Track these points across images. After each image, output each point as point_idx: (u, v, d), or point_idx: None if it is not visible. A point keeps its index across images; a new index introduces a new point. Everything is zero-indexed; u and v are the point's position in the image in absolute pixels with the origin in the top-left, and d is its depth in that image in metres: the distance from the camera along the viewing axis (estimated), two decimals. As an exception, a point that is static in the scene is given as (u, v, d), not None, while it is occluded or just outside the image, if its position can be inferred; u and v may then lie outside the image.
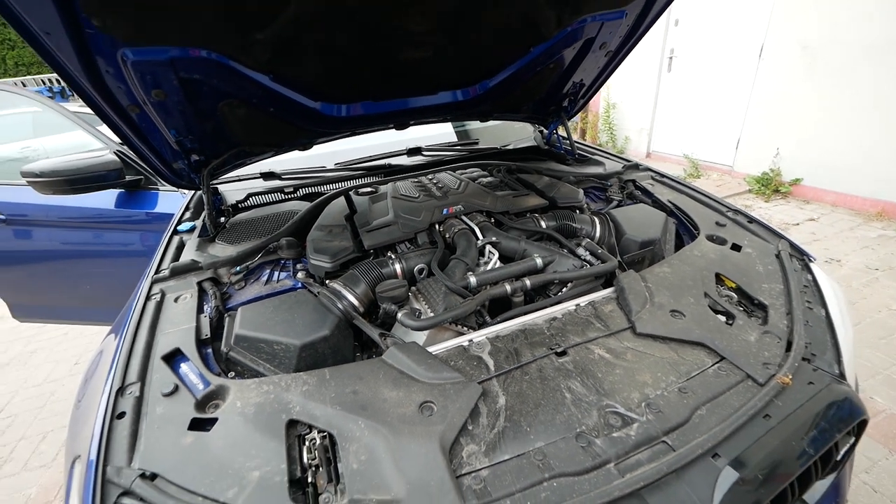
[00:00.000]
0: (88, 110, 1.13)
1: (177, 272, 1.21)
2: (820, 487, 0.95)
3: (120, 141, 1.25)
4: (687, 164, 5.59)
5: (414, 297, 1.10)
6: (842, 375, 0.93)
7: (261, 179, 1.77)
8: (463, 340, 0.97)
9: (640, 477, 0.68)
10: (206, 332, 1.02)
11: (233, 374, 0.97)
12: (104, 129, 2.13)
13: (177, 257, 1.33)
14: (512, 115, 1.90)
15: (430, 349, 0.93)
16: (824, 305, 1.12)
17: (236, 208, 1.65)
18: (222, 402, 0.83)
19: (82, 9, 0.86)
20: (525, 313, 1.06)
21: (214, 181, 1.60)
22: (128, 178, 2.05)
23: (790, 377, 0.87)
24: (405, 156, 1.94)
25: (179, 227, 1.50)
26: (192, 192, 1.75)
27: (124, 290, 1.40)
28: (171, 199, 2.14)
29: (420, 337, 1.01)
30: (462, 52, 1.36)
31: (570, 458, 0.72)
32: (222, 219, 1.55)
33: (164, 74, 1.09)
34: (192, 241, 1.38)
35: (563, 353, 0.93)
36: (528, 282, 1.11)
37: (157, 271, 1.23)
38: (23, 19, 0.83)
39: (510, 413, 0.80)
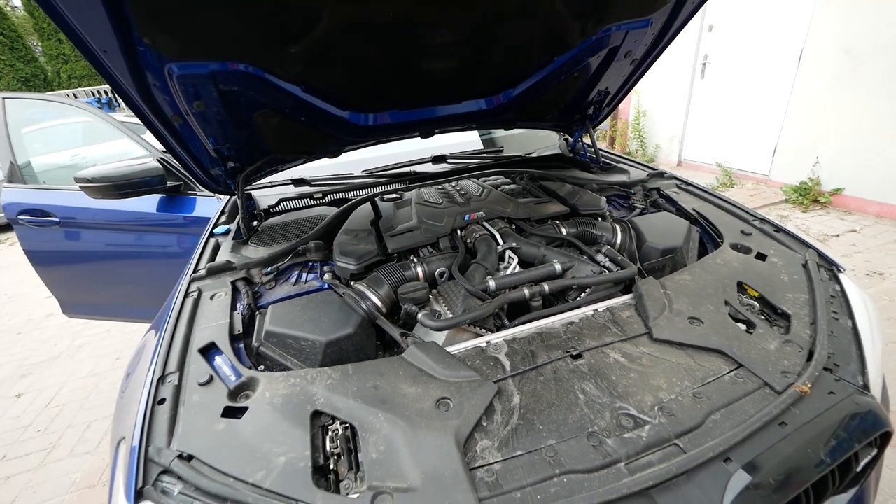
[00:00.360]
0: (134, 120, 1.23)
1: (213, 272, 1.30)
2: (840, 501, 0.92)
3: (163, 149, 1.36)
4: (720, 173, 5.42)
5: (434, 300, 1.14)
6: (865, 387, 0.91)
7: (291, 185, 1.86)
8: (481, 342, 1.00)
9: (649, 476, 0.69)
10: (239, 328, 1.09)
11: (263, 367, 1.03)
12: (148, 137, 2.29)
13: (213, 258, 1.42)
14: (537, 123, 1.93)
15: (449, 349, 0.97)
16: (851, 316, 1.09)
17: (268, 213, 1.74)
18: (252, 392, 0.89)
19: (136, 29, 0.96)
20: (543, 317, 1.08)
21: (248, 187, 1.69)
22: (169, 183, 2.19)
23: (809, 386, 0.86)
24: (430, 163, 1.99)
25: (215, 230, 1.60)
26: (228, 197, 1.85)
27: (163, 289, 1.49)
28: (208, 204, 2.27)
29: (439, 337, 1.04)
30: (486, 62, 1.40)
31: (581, 456, 0.74)
32: (255, 223, 1.64)
33: (205, 87, 1.18)
34: (227, 244, 1.47)
35: (579, 356, 0.94)
36: (546, 286, 1.13)
37: (194, 271, 1.32)
38: (84, 39, 0.93)
39: (524, 411, 0.82)
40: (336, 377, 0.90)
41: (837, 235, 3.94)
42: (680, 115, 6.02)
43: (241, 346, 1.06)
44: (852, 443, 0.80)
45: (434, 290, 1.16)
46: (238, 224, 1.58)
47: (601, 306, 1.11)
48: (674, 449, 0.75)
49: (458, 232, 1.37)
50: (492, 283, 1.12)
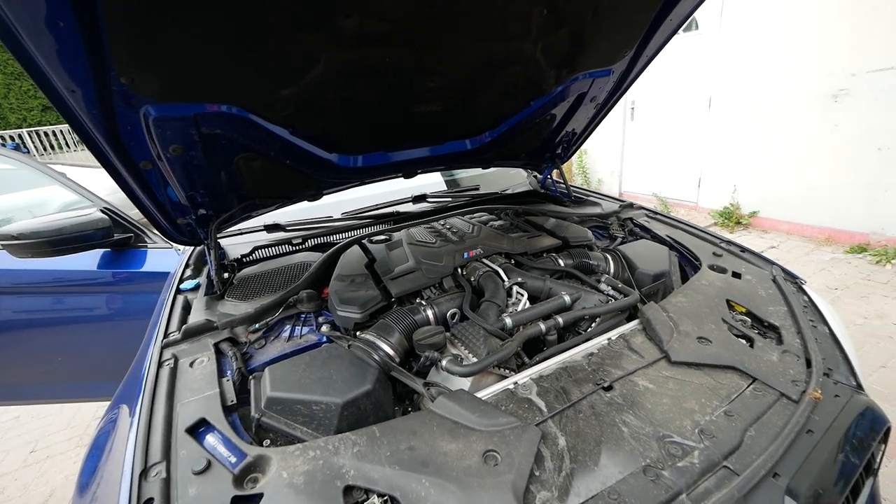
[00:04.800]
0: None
1: (190, 334, 1.14)
2: (862, 499, 0.97)
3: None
4: (657, 203, 5.96)
5: (451, 343, 1.08)
6: (859, 386, 0.99)
7: (264, 232, 1.74)
8: (508, 383, 0.96)
9: None
10: (232, 397, 0.96)
11: (267, 441, 0.90)
12: (93, 184, 2.06)
13: (184, 318, 1.26)
14: (511, 161, 2.00)
15: (477, 395, 0.91)
16: (826, 323, 1.19)
17: (242, 262, 1.60)
18: (262, 475, 0.76)
19: (113, 68, 0.87)
20: (562, 351, 1.06)
21: (220, 235, 1.56)
22: (116, 236, 1.96)
23: (819, 392, 0.91)
24: (410, 203, 1.97)
25: (182, 286, 1.44)
26: (192, 248, 1.69)
27: (113, 358, 1.28)
28: (162, 257, 2.05)
29: (465, 383, 0.98)
30: (471, 105, 1.45)
31: (644, 494, 0.71)
32: (226, 274, 1.50)
33: (185, 130, 1.09)
34: (199, 300, 1.32)
35: (610, 388, 0.93)
36: (560, 319, 1.12)
37: (165, 334, 1.16)
38: (49, 77, 0.82)
39: (574, 453, 0.79)
40: (363, 443, 0.80)
41: (762, 252, 4.41)
42: (617, 152, 6.62)
43: (237, 419, 0.93)
44: (869, 441, 0.86)
45: (448, 333, 1.11)
46: (209, 277, 1.43)
47: (613, 334, 1.12)
48: (725, 472, 0.75)
49: (460, 270, 1.34)
50: (509, 321, 1.09)
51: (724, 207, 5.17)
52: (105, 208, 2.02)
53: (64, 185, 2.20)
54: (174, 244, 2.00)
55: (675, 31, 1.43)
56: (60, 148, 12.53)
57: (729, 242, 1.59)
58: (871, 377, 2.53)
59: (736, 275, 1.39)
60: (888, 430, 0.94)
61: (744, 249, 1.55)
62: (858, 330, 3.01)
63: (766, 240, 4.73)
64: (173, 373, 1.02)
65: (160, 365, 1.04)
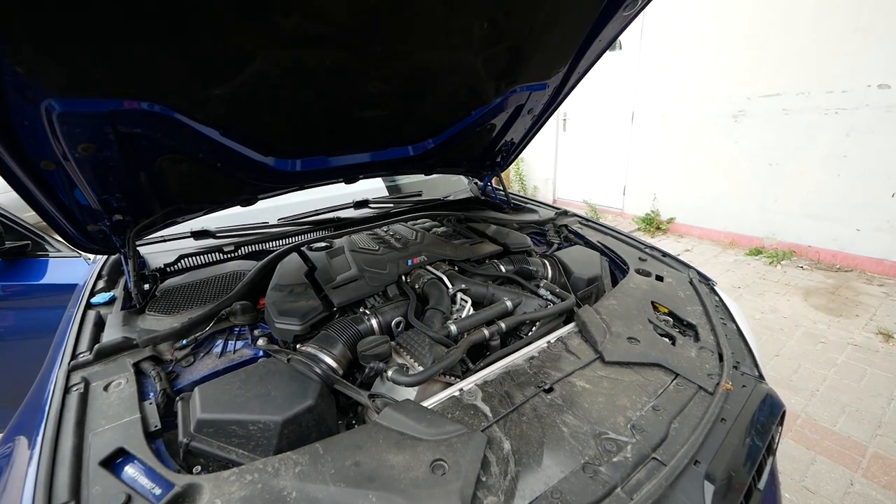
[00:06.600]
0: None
1: (104, 354, 1.02)
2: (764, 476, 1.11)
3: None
4: (587, 209, 6.36)
5: (396, 352, 1.07)
6: (761, 376, 1.12)
7: (191, 238, 1.61)
8: (454, 391, 0.96)
9: (646, 496, 0.74)
10: (156, 422, 0.87)
11: (198, 468, 0.83)
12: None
13: (97, 336, 1.12)
14: (453, 169, 2.03)
15: (423, 404, 0.91)
16: (734, 320, 1.35)
17: (165, 273, 1.46)
18: None
19: (7, 55, 0.76)
20: (505, 355, 1.09)
21: (139, 243, 1.41)
22: (7, 244, 1.70)
23: (730, 383, 1.02)
24: (352, 209, 1.93)
25: (94, 300, 1.28)
26: (105, 257, 1.51)
27: (4, 383, 1.11)
28: (66, 267, 1.81)
29: (410, 393, 0.98)
30: (414, 112, 1.45)
31: (584, 491, 0.75)
32: (147, 286, 1.36)
33: (99, 128, 0.98)
34: (114, 316, 1.18)
35: (551, 390, 0.97)
36: (503, 325, 1.15)
37: (73, 356, 1.03)
38: None
39: (518, 456, 0.81)
40: (305, 461, 0.76)
41: (678, 255, 4.87)
42: (550, 161, 6.97)
43: (161, 445, 0.84)
44: (770, 425, 0.98)
45: (394, 343, 1.10)
46: (126, 289, 1.29)
47: (552, 337, 1.17)
48: (654, 463, 0.82)
49: (404, 278, 1.33)
50: (454, 328, 1.10)
51: (646, 214, 5.65)
52: (-7, 213, 1.75)
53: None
54: (83, 253, 1.78)
55: (603, 51, 1.54)
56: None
57: (652, 248, 1.74)
58: (768, 365, 2.89)
59: (659, 278, 1.52)
60: (783, 413, 1.08)
61: (665, 254, 1.70)
62: (757, 323, 3.43)
63: (682, 244, 5.23)
64: (83, 398, 0.90)
65: (67, 390, 0.92)
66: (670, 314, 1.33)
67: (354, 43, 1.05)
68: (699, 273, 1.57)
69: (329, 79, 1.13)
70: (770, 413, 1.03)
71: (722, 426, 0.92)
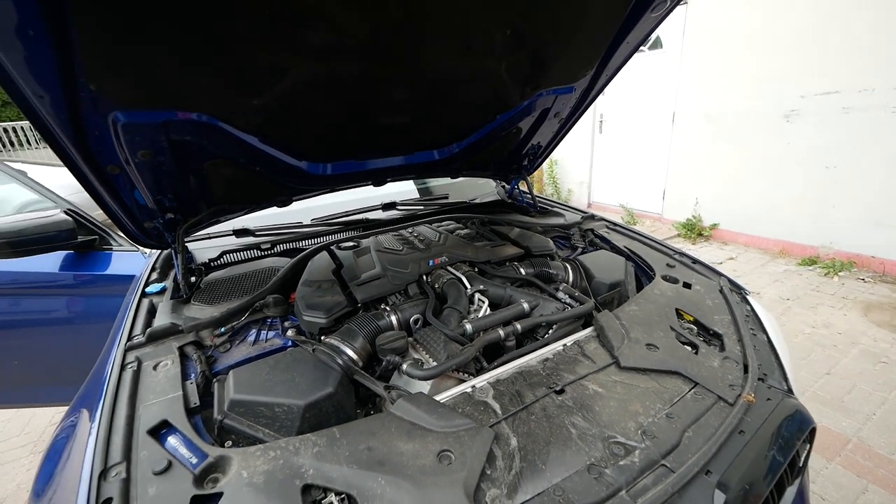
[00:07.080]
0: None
1: (154, 337, 1.14)
2: (788, 495, 1.06)
3: (93, 200, 1.20)
4: (624, 213, 6.18)
5: (413, 348, 1.12)
6: (790, 390, 1.08)
7: (233, 237, 1.74)
8: (466, 387, 1.00)
9: (650, 500, 0.74)
10: (195, 399, 0.97)
11: (229, 442, 0.92)
12: (55, 185, 2.01)
13: (149, 322, 1.25)
14: (479, 172, 2.07)
15: (436, 398, 0.95)
16: (765, 332, 1.29)
17: (209, 267, 1.60)
18: (223, 475, 0.78)
19: (83, 74, 0.88)
20: (520, 356, 1.12)
21: (187, 239, 1.56)
22: (80, 238, 1.91)
23: (753, 395, 0.99)
24: (380, 210, 2.01)
25: (148, 289, 1.43)
26: (158, 251, 1.67)
27: (73, 362, 1.26)
28: (127, 260, 2.01)
29: (424, 387, 1.02)
30: (439, 117, 1.51)
31: (587, 490, 0.76)
32: (193, 278, 1.49)
33: (154, 136, 1.10)
34: (165, 304, 1.31)
35: (562, 391, 0.99)
36: (518, 326, 1.18)
37: (129, 337, 1.15)
38: (17, 83, 0.82)
39: (524, 453, 0.83)
40: (323, 443, 0.83)
41: (721, 263, 4.65)
42: (586, 164, 6.84)
43: (199, 421, 0.94)
44: (794, 441, 0.94)
45: (411, 339, 1.15)
46: (176, 280, 1.42)
47: (569, 341, 1.18)
48: (663, 469, 0.82)
49: (425, 277, 1.38)
50: (469, 327, 1.14)
51: (687, 219, 5.41)
52: (69, 209, 1.97)
53: (23, 183, 2.13)
54: (140, 247, 1.97)
55: (632, 53, 1.52)
56: (21, 145, 11.92)
57: (681, 254, 1.69)
58: (816, 384, 2.68)
59: (686, 285, 1.48)
60: (813, 430, 1.03)
61: (695, 261, 1.65)
62: (807, 339, 3.20)
63: (726, 251, 4.97)
64: (136, 375, 1.02)
65: (123, 368, 1.04)
66: (695, 322, 1.30)
67: (378, 54, 1.12)
68: (731, 281, 1.52)
69: (356, 88, 1.21)
70: (798, 429, 0.99)
71: (740, 438, 0.90)
